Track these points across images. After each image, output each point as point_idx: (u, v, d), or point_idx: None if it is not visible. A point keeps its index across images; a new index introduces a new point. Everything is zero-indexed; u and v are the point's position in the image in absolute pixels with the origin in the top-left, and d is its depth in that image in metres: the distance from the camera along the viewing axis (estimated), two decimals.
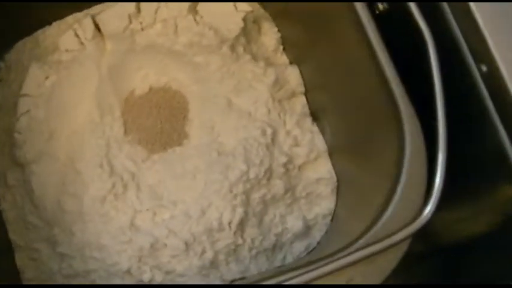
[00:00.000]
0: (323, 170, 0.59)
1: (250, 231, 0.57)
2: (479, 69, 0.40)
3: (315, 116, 0.60)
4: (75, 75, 0.60)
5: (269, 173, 0.57)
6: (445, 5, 0.42)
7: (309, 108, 0.60)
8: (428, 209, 0.39)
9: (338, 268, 0.38)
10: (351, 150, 0.56)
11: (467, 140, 0.43)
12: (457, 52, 0.42)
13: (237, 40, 0.59)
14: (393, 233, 0.39)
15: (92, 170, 0.58)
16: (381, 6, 0.48)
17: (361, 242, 0.39)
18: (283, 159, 0.57)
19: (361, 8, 0.44)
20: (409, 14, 0.42)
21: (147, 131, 0.59)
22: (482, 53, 0.40)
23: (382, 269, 0.39)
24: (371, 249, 0.39)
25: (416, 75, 0.42)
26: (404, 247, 0.39)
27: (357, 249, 0.39)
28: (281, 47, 0.62)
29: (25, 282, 0.60)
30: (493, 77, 0.39)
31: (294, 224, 0.58)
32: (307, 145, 0.59)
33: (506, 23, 0.39)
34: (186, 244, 0.55)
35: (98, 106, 0.60)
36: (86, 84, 0.60)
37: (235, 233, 0.56)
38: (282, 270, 0.42)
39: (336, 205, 0.59)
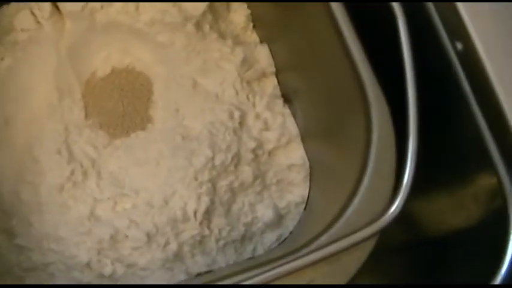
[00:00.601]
0: (295, 155, 0.55)
1: (217, 221, 0.53)
2: (455, 47, 0.36)
3: (287, 98, 0.56)
4: (32, 57, 0.57)
5: (237, 159, 0.53)
6: None
7: (280, 90, 0.55)
8: (396, 204, 0.34)
9: (296, 269, 0.34)
10: (322, 135, 0.53)
11: (443, 125, 0.39)
12: (431, 29, 0.37)
13: (203, 17, 0.55)
14: (357, 230, 0.34)
15: (50, 156, 0.55)
16: None
17: (323, 239, 0.35)
18: (252, 145, 0.53)
19: None
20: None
21: (108, 115, 0.56)
22: (458, 30, 0.35)
23: (346, 268, 0.35)
24: (332, 248, 0.35)
25: (388, 57, 0.37)
26: (371, 244, 0.35)
27: (318, 248, 0.34)
28: (251, 25, 0.58)
29: None
30: (469, 56, 0.34)
31: (265, 212, 0.54)
32: (278, 129, 0.55)
33: None
34: (148, 235, 0.52)
35: (57, 88, 0.56)
36: (44, 65, 0.56)
37: (201, 223, 0.52)
38: (241, 270, 0.37)
39: (309, 193, 0.54)
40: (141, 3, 0.55)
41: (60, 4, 0.56)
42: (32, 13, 0.57)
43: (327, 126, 0.52)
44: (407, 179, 0.35)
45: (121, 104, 0.56)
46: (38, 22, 0.57)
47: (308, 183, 0.55)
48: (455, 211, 0.45)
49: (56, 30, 0.57)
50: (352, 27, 0.39)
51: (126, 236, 0.52)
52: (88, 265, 0.53)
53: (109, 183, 0.54)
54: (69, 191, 0.54)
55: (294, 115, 0.55)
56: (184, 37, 0.55)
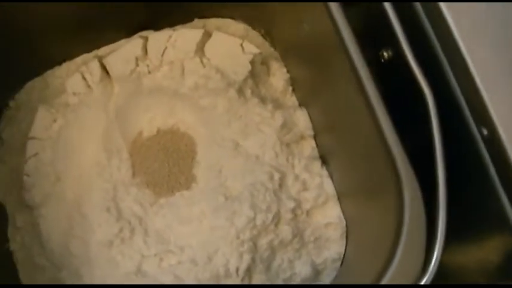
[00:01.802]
0: (332, 214, 0.59)
1: (258, 278, 0.57)
2: (481, 133, 0.40)
3: (324, 160, 0.60)
4: (82, 118, 0.61)
5: (277, 218, 0.57)
6: (445, 63, 0.41)
7: (318, 152, 0.60)
8: (425, 279, 0.38)
9: None
10: (358, 194, 0.57)
11: (468, 204, 0.43)
12: (458, 113, 0.41)
13: (245, 83, 0.60)
14: None
15: (99, 214, 0.59)
16: (385, 54, 0.48)
17: None
18: (291, 205, 0.58)
19: (359, 61, 0.44)
20: (411, 72, 0.42)
21: (154, 174, 0.60)
22: (483, 116, 0.39)
23: None
24: None
25: (415, 127, 0.42)
26: None
27: None
28: (290, 88, 0.62)
29: None
30: (494, 141, 0.39)
31: (302, 269, 0.58)
32: (315, 189, 0.59)
33: (505, 84, 0.39)
34: None
35: (105, 148, 0.60)
36: (93, 127, 0.61)
37: (242, 279, 0.56)
38: None
39: (346, 249, 0.58)
40: (186, 68, 0.60)
41: (110, 68, 0.62)
42: (83, 77, 0.62)
43: (362, 186, 0.56)
44: (435, 261, 0.40)
45: (166, 164, 0.61)
46: (89, 86, 0.62)
47: (344, 241, 0.59)
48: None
49: (105, 93, 0.62)
50: (381, 99, 0.44)
51: None
52: None
53: (155, 240, 0.58)
54: (117, 246, 0.58)
55: (331, 175, 0.60)
56: (227, 101, 0.60)
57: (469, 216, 0.44)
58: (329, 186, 0.59)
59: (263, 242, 0.57)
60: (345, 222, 0.59)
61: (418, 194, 0.41)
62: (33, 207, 0.61)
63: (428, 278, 0.39)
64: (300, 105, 0.62)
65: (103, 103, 0.62)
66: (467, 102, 0.41)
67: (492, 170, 0.41)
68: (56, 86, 0.63)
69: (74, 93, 0.62)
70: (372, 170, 0.51)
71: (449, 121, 0.41)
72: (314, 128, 0.61)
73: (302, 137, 0.60)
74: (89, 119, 0.61)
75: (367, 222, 0.56)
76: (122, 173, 0.60)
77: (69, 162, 0.61)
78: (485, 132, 0.40)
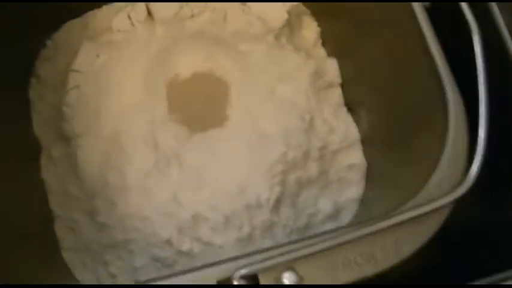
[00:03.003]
0: (355, 157, 0.66)
1: (285, 210, 0.63)
2: None
3: (350, 107, 0.67)
4: (125, 56, 0.67)
5: (306, 155, 0.63)
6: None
7: (344, 100, 0.67)
8: (469, 180, 0.46)
9: (386, 227, 0.45)
10: (384, 142, 0.63)
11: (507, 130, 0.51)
12: (501, 46, 0.49)
13: (282, 31, 0.66)
14: (437, 198, 0.46)
15: (137, 145, 0.64)
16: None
17: (407, 206, 0.46)
18: (319, 144, 0.64)
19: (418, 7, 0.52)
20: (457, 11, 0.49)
21: (189, 112, 0.65)
22: None
23: (426, 231, 0.46)
24: (417, 211, 0.45)
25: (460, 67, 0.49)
26: (445, 213, 0.46)
27: (404, 212, 0.46)
28: (320, 41, 0.69)
29: (63, 251, 0.65)
30: None
31: (325, 206, 0.64)
32: (341, 133, 0.66)
33: None
34: (226, 218, 0.61)
35: (145, 86, 0.66)
36: (134, 65, 0.66)
37: (271, 210, 0.62)
38: (329, 231, 0.48)
39: (365, 191, 0.65)
40: (228, 14, 0.67)
41: (154, 10, 0.68)
42: (129, 16, 0.68)
43: (390, 134, 0.63)
44: (479, 160, 0.47)
45: (201, 103, 0.67)
46: (133, 25, 0.68)
47: (364, 183, 0.66)
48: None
49: (148, 34, 0.68)
50: (435, 35, 0.51)
51: (206, 218, 0.62)
52: (168, 242, 0.62)
53: (190, 172, 0.63)
54: (153, 177, 0.63)
55: (357, 122, 0.67)
56: (265, 47, 0.66)
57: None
58: (353, 131, 0.66)
59: (292, 177, 0.63)
60: (366, 165, 0.66)
61: (463, 112, 0.49)
62: (71, 137, 0.65)
63: (468, 185, 0.46)
64: (329, 55, 0.69)
65: (145, 43, 0.67)
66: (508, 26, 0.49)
67: None
68: (98, 25, 0.68)
69: (119, 30, 0.67)
70: (407, 113, 0.58)
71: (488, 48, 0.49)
72: (342, 78, 0.67)
73: (331, 85, 0.67)
74: (131, 57, 0.66)
75: (391, 168, 0.63)
76: (159, 109, 0.65)
77: (110, 96, 0.66)
78: None
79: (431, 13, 0.51)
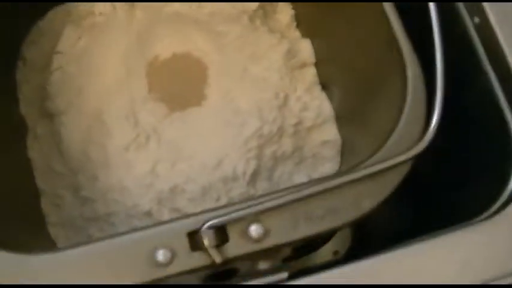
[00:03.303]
0: (329, 133, 0.69)
1: (261, 184, 0.66)
2: (473, 21, 0.52)
3: (324, 85, 0.70)
4: (106, 38, 0.70)
5: (281, 131, 0.67)
6: None
7: (319, 78, 0.70)
8: (426, 138, 0.49)
9: (348, 181, 0.48)
10: (352, 116, 0.67)
11: (460, 86, 0.54)
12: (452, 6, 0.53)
13: (256, 13, 0.70)
14: (397, 155, 0.49)
15: (118, 121, 0.67)
16: None
17: (369, 162, 0.50)
18: (294, 120, 0.67)
19: None
20: None
21: (168, 91, 0.69)
22: (475, 6, 0.51)
23: (386, 186, 0.49)
24: (378, 166, 0.49)
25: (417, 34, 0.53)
26: (406, 169, 0.49)
27: (364, 168, 0.49)
28: (294, 23, 0.73)
29: (49, 226, 0.68)
30: (484, 28, 0.50)
31: (301, 181, 0.67)
32: (315, 110, 0.69)
33: None
34: (203, 189, 0.64)
35: (125, 66, 0.69)
36: (116, 46, 0.70)
37: (248, 183, 0.65)
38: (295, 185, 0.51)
39: (340, 167, 0.69)
40: None
41: None
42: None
43: (357, 108, 0.67)
44: (435, 120, 0.50)
45: (179, 83, 0.70)
46: (114, 7, 0.72)
47: (339, 159, 0.70)
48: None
49: (129, 17, 0.71)
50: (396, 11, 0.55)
51: (184, 190, 0.65)
52: (148, 213, 0.65)
53: (168, 147, 0.66)
54: (133, 151, 0.66)
55: (330, 99, 0.70)
56: (240, 28, 0.70)
57: (460, 92, 0.55)
58: (327, 108, 0.69)
59: (267, 152, 0.66)
60: (340, 140, 0.69)
61: (420, 73, 0.52)
62: (55, 115, 0.68)
63: (425, 144, 0.49)
64: (303, 37, 0.72)
65: (126, 26, 0.71)
66: None
67: (481, 51, 0.52)
68: (80, 11, 0.72)
69: (100, 14, 0.71)
70: (370, 85, 0.62)
71: (444, 15, 0.52)
72: (316, 58, 0.71)
73: (305, 64, 0.71)
74: (112, 38, 0.70)
75: (359, 142, 0.66)
76: (139, 88, 0.69)
77: (92, 76, 0.69)
78: (476, 20, 0.52)
79: None
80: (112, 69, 0.69)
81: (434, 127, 0.49)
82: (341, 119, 0.69)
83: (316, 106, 0.69)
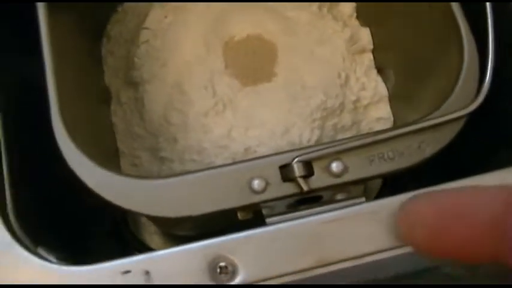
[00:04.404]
0: (383, 111, 0.82)
1: None
2: None
3: (379, 69, 0.83)
4: (188, 18, 0.82)
5: (342, 106, 0.79)
6: None
7: (375, 63, 0.84)
8: (480, 98, 0.62)
9: (412, 130, 0.61)
10: (405, 96, 0.80)
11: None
12: None
13: (323, 4, 0.84)
14: (455, 111, 0.62)
15: (198, 91, 0.78)
16: None
17: (432, 116, 0.63)
18: (353, 98, 0.80)
19: None
20: None
21: (242, 68, 0.81)
22: None
23: (445, 136, 0.63)
24: (438, 120, 0.62)
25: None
26: (461, 123, 0.63)
27: (427, 120, 0.62)
28: (355, 14, 0.86)
29: None
30: None
31: None
32: (371, 90, 0.81)
33: None
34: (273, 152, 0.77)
35: (205, 44, 0.81)
36: (196, 26, 0.81)
37: None
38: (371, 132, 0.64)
39: None
40: None
41: None
42: None
43: (408, 89, 0.79)
44: (487, 83, 0.64)
45: (252, 62, 0.83)
46: None
47: None
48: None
49: (207, 3, 0.85)
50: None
51: (255, 152, 0.78)
52: None
53: (242, 115, 0.78)
54: (212, 117, 0.77)
55: (385, 82, 0.84)
56: (308, 15, 0.84)
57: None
58: (382, 89, 0.82)
59: (330, 123, 0.78)
60: (392, 118, 0.82)
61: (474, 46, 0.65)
62: (139, 84, 0.80)
63: (479, 102, 0.63)
64: (362, 26, 0.86)
65: (205, 9, 0.84)
66: None
67: None
68: None
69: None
70: (421, 69, 0.75)
71: None
72: (374, 44, 0.85)
73: (364, 50, 0.83)
74: (193, 19, 0.81)
75: (413, 116, 0.79)
76: (217, 64, 0.80)
77: (175, 51, 0.81)
78: None
79: None
80: (193, 46, 0.81)
81: (486, 87, 0.62)
82: (393, 98, 0.81)
83: (372, 87, 0.81)
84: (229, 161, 0.75)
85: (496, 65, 0.62)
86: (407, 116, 0.78)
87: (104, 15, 0.85)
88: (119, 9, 0.85)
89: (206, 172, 0.60)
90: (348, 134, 0.78)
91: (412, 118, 0.73)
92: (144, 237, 0.90)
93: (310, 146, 0.60)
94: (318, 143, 0.76)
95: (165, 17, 0.81)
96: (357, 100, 0.79)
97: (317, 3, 0.82)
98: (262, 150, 0.75)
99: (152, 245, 0.90)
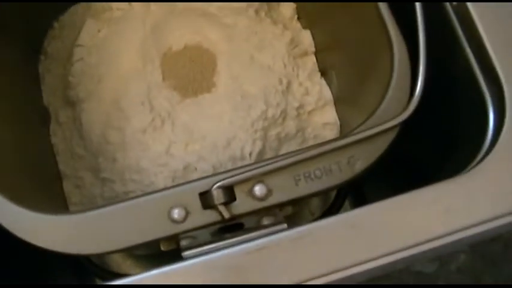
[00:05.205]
0: (329, 116, 0.78)
1: None
2: (451, 3, 0.61)
3: (323, 72, 0.79)
4: (123, 30, 0.79)
5: (284, 114, 0.75)
6: None
7: (318, 66, 0.79)
8: (411, 107, 0.58)
9: (340, 146, 0.57)
10: (349, 98, 0.75)
11: (441, 63, 0.63)
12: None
13: (261, 6, 0.79)
14: (386, 122, 0.58)
15: (135, 107, 0.75)
16: None
17: (360, 128, 0.58)
18: (296, 104, 0.76)
19: None
20: None
21: (181, 79, 0.77)
22: None
23: (377, 149, 0.58)
24: (368, 132, 0.57)
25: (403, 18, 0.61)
26: (393, 133, 0.58)
27: (358, 133, 0.58)
28: (296, 16, 0.82)
29: (71, 206, 0.76)
30: (461, 8, 0.60)
31: None
32: (316, 94, 0.78)
33: None
34: (214, 169, 0.73)
35: (141, 56, 0.78)
36: (132, 37, 0.79)
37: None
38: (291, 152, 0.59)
39: None
40: None
41: None
42: None
43: (351, 91, 0.75)
44: (419, 91, 0.59)
45: (191, 72, 0.78)
46: (130, 4, 0.81)
47: None
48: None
49: (144, 11, 0.80)
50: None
51: (196, 168, 0.74)
52: None
53: (181, 130, 0.75)
54: (149, 133, 0.74)
55: (329, 85, 0.79)
56: (246, 20, 0.79)
57: (441, 67, 0.63)
58: (327, 93, 0.78)
59: (272, 133, 0.75)
60: (339, 122, 0.78)
61: (405, 51, 0.61)
62: (76, 103, 0.77)
63: (410, 111, 0.58)
64: (304, 28, 0.81)
65: (141, 18, 0.79)
66: None
67: (460, 32, 0.61)
68: (100, 6, 0.81)
69: (118, 9, 0.80)
70: (363, 69, 0.70)
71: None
72: (315, 46, 0.80)
73: (306, 53, 0.79)
74: (128, 30, 0.79)
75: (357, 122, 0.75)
76: (154, 76, 0.77)
77: (110, 66, 0.78)
78: (454, 3, 0.61)
79: None
80: (129, 59, 0.78)
81: (418, 96, 0.57)
82: (339, 102, 0.77)
83: (316, 91, 0.77)
84: (170, 180, 0.73)
85: (430, 68, 0.56)
86: (354, 118, 0.73)
87: (40, 30, 0.80)
88: (55, 24, 0.80)
89: (125, 203, 0.57)
90: (293, 143, 0.74)
91: (359, 120, 0.68)
92: (105, 262, 0.87)
93: (230, 170, 0.57)
94: (261, 154, 0.72)
95: (99, 30, 0.78)
96: (300, 106, 0.75)
97: (254, 8, 0.76)
98: (203, 167, 0.71)
99: (115, 268, 0.86)
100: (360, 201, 0.91)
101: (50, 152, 0.79)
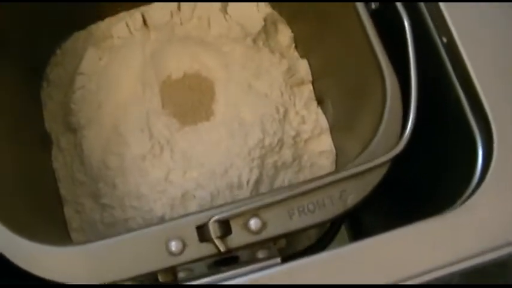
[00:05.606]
0: (325, 144, 0.79)
1: (264, 191, 0.76)
2: (441, 41, 0.62)
3: (320, 100, 0.80)
4: (123, 58, 0.80)
5: (281, 142, 0.77)
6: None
7: (315, 94, 0.81)
8: (402, 144, 0.59)
9: (333, 181, 0.58)
10: (345, 126, 0.76)
11: (432, 99, 0.64)
12: (424, 27, 0.63)
13: (258, 35, 0.80)
14: (377, 157, 0.59)
15: (134, 133, 0.76)
16: (373, 5, 0.69)
17: (352, 164, 0.60)
18: (292, 133, 0.77)
19: (361, 7, 0.65)
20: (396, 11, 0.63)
21: (180, 107, 0.79)
22: (443, 28, 0.61)
23: (368, 184, 0.59)
24: (359, 168, 0.59)
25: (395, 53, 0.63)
26: (384, 168, 0.59)
27: (349, 168, 0.59)
28: (293, 45, 0.83)
29: (72, 232, 0.78)
30: (452, 47, 0.61)
31: None
32: (312, 123, 0.79)
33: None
34: (212, 196, 0.74)
35: (141, 83, 0.79)
36: (132, 65, 0.80)
37: (251, 190, 0.75)
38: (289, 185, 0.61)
39: None
40: (212, 21, 0.81)
41: (149, 18, 0.82)
42: (127, 25, 0.83)
43: (347, 119, 0.76)
44: (410, 127, 0.60)
45: (190, 100, 0.80)
46: (131, 32, 0.83)
47: (334, 166, 0.80)
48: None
49: (143, 39, 0.82)
50: (377, 34, 0.64)
51: (194, 196, 0.75)
52: (162, 218, 0.75)
53: (180, 157, 0.76)
54: (149, 160, 0.75)
55: (325, 113, 0.81)
56: (244, 48, 0.80)
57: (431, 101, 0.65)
58: (323, 121, 0.79)
59: (269, 161, 0.76)
60: (335, 150, 0.79)
61: (397, 87, 0.62)
62: (77, 129, 0.78)
63: (401, 147, 0.59)
64: (301, 57, 0.83)
65: (141, 46, 0.81)
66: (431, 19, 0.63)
67: (450, 69, 0.63)
68: (100, 34, 0.82)
69: (118, 37, 0.81)
70: (358, 101, 0.72)
71: (418, 37, 0.62)
72: (312, 76, 0.81)
73: (302, 82, 0.81)
74: (129, 58, 0.80)
75: (353, 151, 0.76)
76: (153, 103, 0.79)
77: (110, 93, 0.79)
78: (444, 40, 0.62)
79: (376, 13, 0.65)
80: (128, 86, 0.79)
81: (408, 133, 0.59)
82: (334, 129, 0.78)
83: (313, 120, 0.79)
84: (168, 208, 0.74)
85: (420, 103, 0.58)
86: (350, 146, 0.75)
87: (42, 57, 0.82)
88: (57, 51, 0.81)
89: (124, 236, 0.58)
90: (289, 171, 0.75)
91: (355, 148, 0.70)
92: None
93: (227, 204, 0.58)
94: (257, 182, 0.73)
95: (100, 59, 0.79)
96: (297, 135, 0.76)
97: (252, 37, 0.78)
98: (201, 194, 0.73)
99: None
100: (356, 224, 0.92)
101: (51, 177, 0.80)
